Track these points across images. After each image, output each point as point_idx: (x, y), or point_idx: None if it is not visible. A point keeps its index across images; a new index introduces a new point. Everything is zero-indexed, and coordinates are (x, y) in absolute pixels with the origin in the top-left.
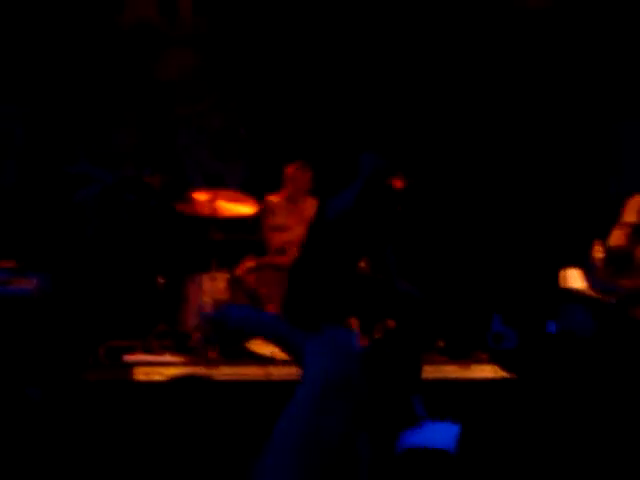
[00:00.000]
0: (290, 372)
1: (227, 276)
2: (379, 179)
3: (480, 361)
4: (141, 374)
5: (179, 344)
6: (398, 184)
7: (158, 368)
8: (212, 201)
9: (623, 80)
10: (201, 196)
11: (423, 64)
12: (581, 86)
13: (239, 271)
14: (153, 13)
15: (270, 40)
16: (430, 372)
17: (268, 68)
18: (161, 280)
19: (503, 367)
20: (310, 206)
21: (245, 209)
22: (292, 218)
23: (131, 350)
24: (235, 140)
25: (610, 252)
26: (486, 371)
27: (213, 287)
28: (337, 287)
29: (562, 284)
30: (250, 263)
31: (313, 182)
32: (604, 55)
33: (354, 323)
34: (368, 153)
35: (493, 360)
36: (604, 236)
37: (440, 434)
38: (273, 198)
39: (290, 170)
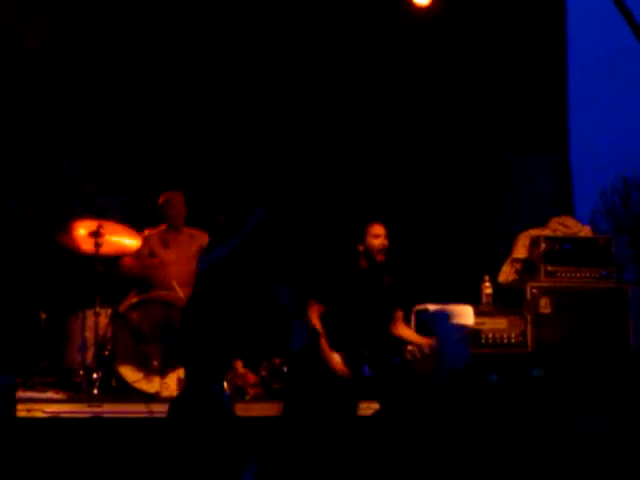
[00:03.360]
0: None
1: (110, 312)
2: (262, 231)
3: None
4: (23, 411)
5: (62, 381)
6: None
7: (40, 405)
8: (96, 235)
9: (518, 112)
10: (85, 230)
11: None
12: (475, 117)
13: (122, 307)
14: (38, 44)
15: (153, 72)
16: None
17: (151, 101)
18: (43, 316)
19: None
20: (187, 237)
21: (129, 243)
22: (170, 251)
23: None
24: (119, 173)
25: (500, 288)
26: None
27: (96, 323)
28: (224, 331)
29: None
30: (133, 299)
31: (188, 210)
32: (492, 87)
33: (239, 365)
34: (259, 208)
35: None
36: (493, 272)
37: None
38: (149, 232)
39: (161, 199)
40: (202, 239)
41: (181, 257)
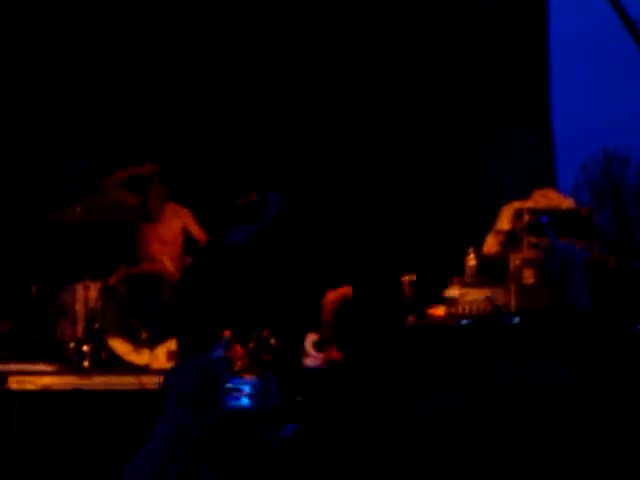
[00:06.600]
0: None
1: (100, 285)
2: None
3: None
4: (14, 383)
5: (53, 353)
6: None
7: (31, 377)
8: (87, 210)
9: (500, 86)
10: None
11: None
12: (459, 91)
13: (112, 280)
14: None
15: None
16: None
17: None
18: (34, 289)
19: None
20: (171, 213)
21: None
22: (154, 226)
23: (4, 359)
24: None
25: (483, 259)
26: None
27: (86, 296)
28: (216, 303)
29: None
30: (122, 272)
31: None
32: (473, 60)
33: (228, 335)
34: (273, 193)
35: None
36: (478, 243)
37: None
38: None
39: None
40: (185, 215)
41: (165, 232)
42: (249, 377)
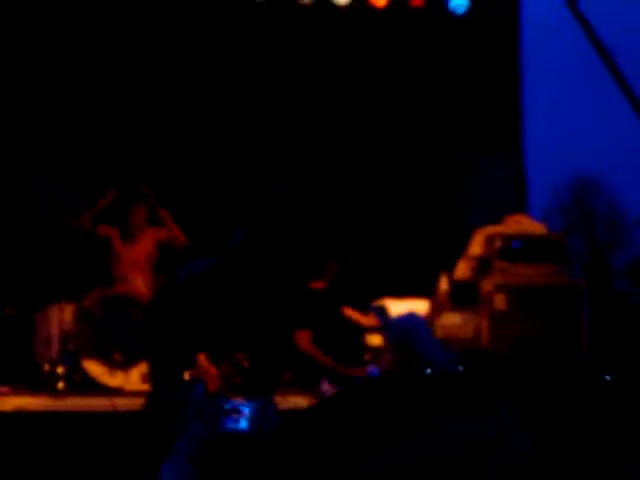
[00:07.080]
0: (136, 403)
1: (74, 307)
2: (241, 253)
3: None
4: None
5: (27, 374)
6: None
7: (5, 398)
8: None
9: (473, 111)
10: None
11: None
12: (430, 116)
13: (86, 302)
14: None
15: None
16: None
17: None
18: (10, 311)
19: None
20: (146, 234)
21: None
22: (129, 249)
23: None
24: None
25: (455, 284)
26: None
27: (61, 318)
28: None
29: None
30: (97, 294)
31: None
32: (447, 85)
33: (202, 359)
34: (239, 227)
35: None
36: (450, 268)
37: None
38: (108, 229)
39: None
40: (159, 233)
41: (138, 253)
42: (247, 400)
